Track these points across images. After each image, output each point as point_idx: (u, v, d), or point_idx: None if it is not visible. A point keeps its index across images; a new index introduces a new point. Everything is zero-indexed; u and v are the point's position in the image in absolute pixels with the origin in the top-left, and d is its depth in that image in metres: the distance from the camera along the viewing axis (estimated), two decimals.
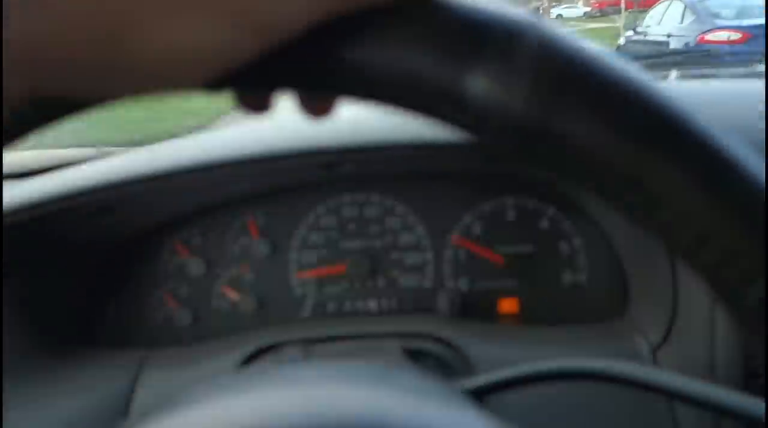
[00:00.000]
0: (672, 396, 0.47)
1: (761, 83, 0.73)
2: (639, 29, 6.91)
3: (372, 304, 0.81)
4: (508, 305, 0.79)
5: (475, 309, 0.78)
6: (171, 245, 0.81)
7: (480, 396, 0.53)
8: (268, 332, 0.73)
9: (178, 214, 0.80)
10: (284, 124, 0.79)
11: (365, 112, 0.81)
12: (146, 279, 0.80)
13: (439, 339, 0.67)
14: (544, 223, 0.79)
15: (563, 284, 0.78)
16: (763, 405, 0.43)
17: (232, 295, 0.81)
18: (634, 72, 0.19)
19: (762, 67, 1.26)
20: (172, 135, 0.82)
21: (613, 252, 0.76)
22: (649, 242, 0.67)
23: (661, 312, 0.65)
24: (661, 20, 6.42)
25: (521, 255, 0.79)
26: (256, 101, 0.23)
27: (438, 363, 0.65)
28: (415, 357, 0.65)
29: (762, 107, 0.62)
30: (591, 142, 0.19)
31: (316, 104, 0.23)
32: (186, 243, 0.81)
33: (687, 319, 0.62)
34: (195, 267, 0.80)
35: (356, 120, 0.78)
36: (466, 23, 0.19)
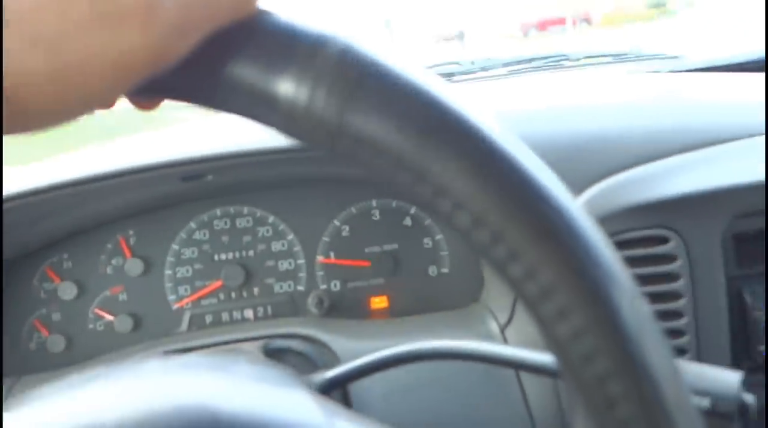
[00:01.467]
0: (508, 365, 0.53)
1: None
2: None
3: (248, 312, 0.83)
4: (378, 301, 0.83)
5: (347, 309, 0.83)
6: (41, 270, 0.81)
7: (341, 384, 0.57)
8: (142, 348, 0.74)
9: (47, 238, 0.80)
10: (147, 139, 0.81)
11: (228, 124, 0.84)
12: (16, 307, 0.80)
13: (305, 337, 0.70)
14: (408, 221, 0.84)
15: (428, 276, 0.84)
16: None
17: (107, 316, 0.82)
18: (427, 79, 0.21)
19: None
20: None
21: None
22: None
23: (506, 296, 0.71)
24: None
25: (388, 253, 0.84)
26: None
27: (303, 359, 0.69)
28: (279, 355, 0.68)
29: None
30: (382, 140, 0.21)
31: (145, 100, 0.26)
32: (56, 267, 0.81)
33: None
34: (66, 291, 0.80)
35: (218, 132, 0.80)
36: (280, 35, 0.22)
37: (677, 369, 0.22)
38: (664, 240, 0.62)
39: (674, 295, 0.62)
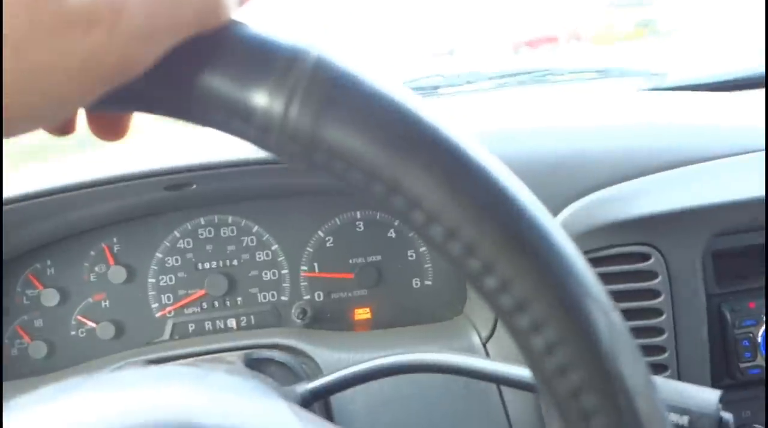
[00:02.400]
0: (489, 379, 0.53)
1: None
2: None
3: (231, 322, 0.83)
4: (361, 313, 0.84)
5: (330, 320, 0.83)
6: (23, 277, 0.80)
7: (323, 396, 0.57)
8: (125, 356, 0.74)
9: (30, 244, 0.80)
10: (133, 149, 0.81)
11: (212, 133, 0.84)
12: None
13: (287, 348, 0.70)
14: (392, 233, 0.85)
15: (411, 288, 0.84)
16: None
17: (89, 323, 0.81)
18: (400, 93, 0.22)
19: None
20: None
21: None
22: None
23: (488, 310, 0.72)
24: None
25: (371, 264, 0.84)
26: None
27: (285, 370, 0.69)
28: (261, 366, 0.68)
29: None
30: (355, 153, 0.21)
31: (106, 128, 0.26)
32: (39, 274, 0.81)
33: None
34: (49, 297, 0.80)
35: (202, 141, 0.80)
36: (255, 46, 0.22)
37: (651, 382, 0.22)
38: (645, 257, 0.63)
39: (655, 312, 0.63)
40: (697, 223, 0.64)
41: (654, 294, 0.63)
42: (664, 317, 0.63)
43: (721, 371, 0.65)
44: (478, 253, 0.21)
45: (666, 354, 0.63)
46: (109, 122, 0.25)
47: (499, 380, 0.53)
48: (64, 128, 0.25)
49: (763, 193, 0.62)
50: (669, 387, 0.48)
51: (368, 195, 0.22)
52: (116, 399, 0.29)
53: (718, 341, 0.65)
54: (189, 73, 0.21)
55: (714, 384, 0.64)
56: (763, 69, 1.08)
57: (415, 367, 0.56)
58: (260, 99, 0.21)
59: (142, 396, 0.30)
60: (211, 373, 0.35)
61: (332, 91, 0.21)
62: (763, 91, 0.98)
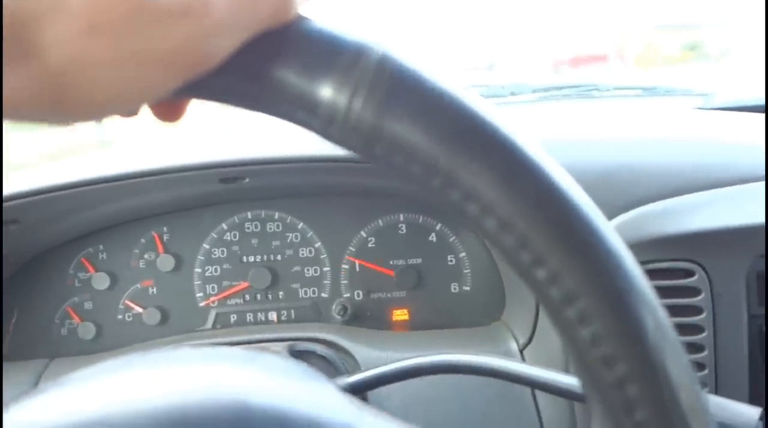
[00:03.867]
0: (526, 383, 0.54)
1: None
2: None
3: (272, 315, 0.85)
4: (399, 314, 0.85)
5: (368, 318, 0.84)
6: (77, 260, 0.83)
7: (362, 391, 0.58)
8: (169, 342, 0.76)
9: (85, 229, 0.83)
10: (188, 140, 0.84)
11: (264, 128, 0.87)
12: (51, 293, 0.82)
13: (328, 343, 0.72)
14: (432, 237, 0.86)
15: (449, 293, 0.85)
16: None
17: (136, 308, 0.84)
18: (460, 90, 0.22)
19: None
20: None
21: (493, 264, 0.84)
22: None
23: (527, 317, 0.73)
24: None
25: (412, 266, 0.85)
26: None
27: (326, 363, 0.70)
28: (303, 357, 0.70)
29: None
30: (415, 146, 0.22)
31: (166, 111, 0.27)
32: (91, 258, 0.84)
33: (547, 323, 0.70)
34: (99, 281, 0.83)
35: (255, 137, 0.83)
36: (322, 41, 0.23)
37: (695, 377, 0.23)
38: (689, 273, 0.63)
39: (696, 328, 0.63)
40: (742, 243, 0.64)
41: (696, 310, 0.63)
42: (705, 334, 0.63)
43: (760, 390, 0.65)
44: (530, 246, 0.21)
45: (705, 371, 0.63)
46: (168, 105, 0.26)
47: (536, 385, 0.54)
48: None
49: None
50: (710, 401, 0.48)
51: (426, 187, 0.22)
52: (174, 375, 0.30)
53: (758, 360, 0.65)
54: (258, 65, 0.23)
55: (752, 403, 0.64)
56: None
57: (453, 368, 0.57)
58: (326, 91, 0.22)
59: (200, 373, 0.30)
60: (264, 357, 0.37)
61: (395, 86, 0.22)
62: None
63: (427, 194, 0.23)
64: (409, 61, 0.23)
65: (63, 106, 0.20)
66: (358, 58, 0.22)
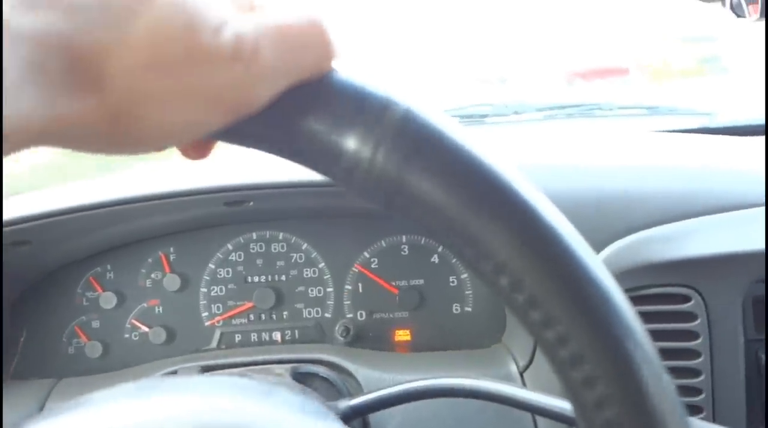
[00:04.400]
0: (525, 408, 0.55)
1: None
2: None
3: (276, 335, 0.86)
4: (401, 334, 0.86)
5: (371, 339, 0.85)
6: (85, 279, 0.85)
7: (363, 413, 0.59)
8: (175, 362, 0.78)
9: (93, 249, 0.85)
10: (196, 165, 0.86)
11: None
12: (59, 312, 0.84)
13: (331, 364, 0.73)
14: (434, 258, 0.87)
15: (451, 314, 0.86)
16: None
17: (143, 328, 0.85)
18: (480, 149, 0.23)
19: None
20: None
21: None
22: None
23: (527, 340, 0.74)
24: None
25: (414, 287, 0.86)
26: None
27: (328, 385, 0.71)
28: (306, 380, 0.71)
29: None
30: (434, 202, 0.23)
31: (195, 149, 0.27)
32: (99, 278, 0.85)
33: None
34: (107, 300, 0.84)
35: (259, 161, 0.84)
36: (350, 93, 0.24)
37: (686, 419, 0.24)
38: (685, 299, 0.64)
39: (692, 353, 0.64)
40: (739, 268, 0.64)
41: (693, 335, 0.64)
42: (701, 359, 0.64)
43: (757, 416, 0.65)
44: (540, 307, 0.23)
45: (702, 396, 0.64)
46: (197, 143, 0.27)
47: (536, 410, 0.55)
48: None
49: None
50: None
51: (441, 240, 0.24)
52: (188, 404, 0.32)
53: (755, 386, 0.65)
54: (288, 112, 0.24)
55: None
56: None
57: (454, 391, 0.57)
58: (350, 142, 0.23)
59: (213, 403, 0.32)
60: (276, 390, 0.38)
61: (417, 141, 0.23)
62: None
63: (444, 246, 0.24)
64: (432, 117, 0.24)
65: (117, 137, 0.22)
66: (383, 112, 0.23)
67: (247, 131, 0.24)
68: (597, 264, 0.23)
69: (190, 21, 0.21)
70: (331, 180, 0.24)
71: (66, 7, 0.19)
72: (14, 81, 0.18)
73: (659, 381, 0.23)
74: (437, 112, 0.24)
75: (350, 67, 0.25)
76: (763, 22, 0.89)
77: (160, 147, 0.24)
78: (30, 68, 0.19)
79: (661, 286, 0.64)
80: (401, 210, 0.24)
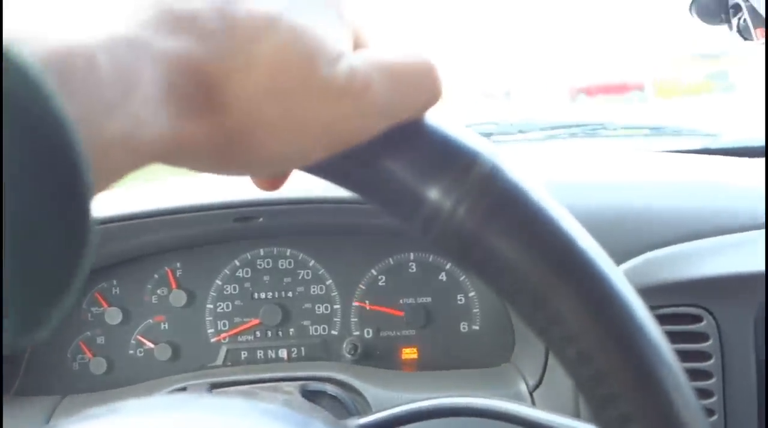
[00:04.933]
0: (526, 425, 0.54)
1: None
2: None
3: (283, 352, 0.86)
4: (408, 352, 0.85)
5: (378, 357, 0.85)
6: (90, 294, 0.85)
7: None
8: (181, 378, 0.77)
9: (99, 264, 0.84)
10: (203, 180, 0.86)
11: None
12: (63, 328, 0.83)
13: (339, 383, 0.73)
14: (443, 276, 0.87)
15: (459, 332, 0.86)
16: None
17: (148, 344, 0.85)
18: (558, 209, 0.24)
19: None
20: None
21: (503, 304, 0.85)
22: None
23: (537, 358, 0.73)
24: None
25: (421, 305, 0.86)
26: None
27: (337, 404, 0.71)
28: (315, 398, 0.70)
29: None
30: (510, 263, 0.23)
31: (272, 179, 0.28)
32: (105, 293, 0.85)
33: (557, 365, 0.70)
34: (112, 316, 0.84)
35: None
36: (440, 142, 0.24)
37: None
38: (696, 319, 0.64)
39: (704, 374, 0.64)
40: (751, 289, 0.64)
41: (704, 356, 0.64)
42: (713, 380, 0.63)
43: None
44: (606, 383, 0.23)
45: (715, 417, 0.63)
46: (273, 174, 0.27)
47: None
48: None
49: None
50: None
51: (510, 300, 0.24)
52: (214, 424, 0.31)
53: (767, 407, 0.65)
54: (378, 153, 0.24)
55: None
56: None
57: (465, 411, 0.57)
58: (434, 193, 0.23)
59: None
60: (300, 416, 0.37)
61: (501, 199, 0.23)
62: None
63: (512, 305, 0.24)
64: (517, 176, 0.24)
65: (228, 159, 0.22)
66: (471, 166, 0.23)
67: (335, 165, 0.24)
68: (665, 344, 0.24)
69: (309, 51, 0.21)
70: (407, 227, 0.24)
71: (200, 31, 0.20)
72: (155, 98, 0.19)
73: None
74: (521, 171, 0.24)
75: (437, 113, 0.25)
76: None
77: (265, 172, 0.25)
78: (169, 87, 0.19)
79: (672, 306, 0.64)
80: (474, 265, 0.24)
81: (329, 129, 0.22)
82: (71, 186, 0.17)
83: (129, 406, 0.33)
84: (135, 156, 0.19)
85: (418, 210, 0.23)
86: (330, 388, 0.72)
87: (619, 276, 0.24)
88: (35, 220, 0.16)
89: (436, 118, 0.25)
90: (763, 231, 0.68)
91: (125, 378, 0.83)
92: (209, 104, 0.21)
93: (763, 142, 1.16)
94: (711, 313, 0.63)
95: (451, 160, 0.23)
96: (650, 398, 0.23)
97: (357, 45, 0.24)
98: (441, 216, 0.23)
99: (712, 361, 0.63)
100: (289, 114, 0.21)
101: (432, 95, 0.24)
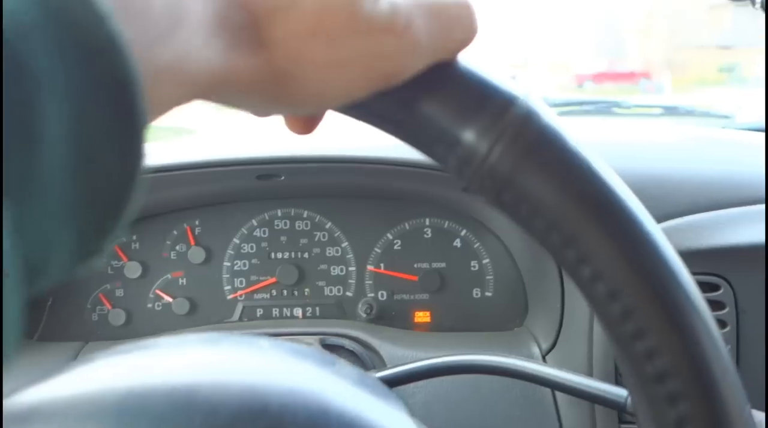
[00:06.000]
0: (550, 385, 0.56)
1: None
2: None
3: (298, 311, 0.87)
4: (421, 316, 0.87)
5: (391, 318, 0.86)
6: (110, 249, 0.85)
7: (389, 386, 0.60)
8: (198, 332, 0.78)
9: None
10: (225, 136, 0.86)
11: None
12: (84, 280, 0.85)
13: (355, 339, 0.74)
14: (457, 243, 0.88)
15: (471, 298, 0.87)
16: (622, 390, 0.52)
17: (166, 298, 0.86)
18: (590, 152, 0.24)
19: None
20: None
21: (517, 270, 0.86)
22: (545, 264, 0.77)
23: (551, 323, 0.74)
24: None
25: (435, 270, 0.87)
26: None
27: (354, 358, 0.72)
28: (333, 351, 0.72)
29: None
30: (543, 202, 0.23)
31: (305, 122, 0.28)
32: (125, 247, 0.86)
33: (571, 329, 0.71)
34: (132, 270, 0.85)
35: (288, 135, 0.85)
36: (476, 84, 0.24)
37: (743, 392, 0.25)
38: (714, 287, 0.64)
39: None
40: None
41: (721, 324, 0.65)
42: (727, 348, 0.64)
43: None
44: (634, 318, 0.23)
45: None
46: (305, 117, 0.28)
47: (561, 387, 0.55)
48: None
49: None
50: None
51: (542, 241, 0.24)
52: (257, 365, 0.31)
53: None
54: (415, 93, 0.24)
55: None
56: None
57: (479, 368, 0.58)
58: (469, 134, 0.23)
59: (284, 366, 0.32)
60: (341, 363, 0.37)
61: (536, 142, 0.23)
62: None
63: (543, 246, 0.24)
64: (552, 119, 0.24)
65: (274, 96, 0.23)
66: (506, 108, 0.23)
67: (372, 105, 0.24)
68: (689, 279, 0.25)
69: None
70: (441, 166, 0.25)
71: None
72: (204, 31, 0.20)
73: (729, 376, 0.24)
74: (554, 114, 0.24)
75: (473, 55, 0.25)
76: None
77: (310, 110, 0.25)
78: (218, 21, 0.20)
79: (691, 274, 0.64)
80: (507, 205, 0.24)
81: (371, 67, 0.23)
82: (127, 108, 0.17)
83: (158, 342, 0.33)
84: (183, 87, 0.20)
85: (454, 150, 0.24)
86: (347, 343, 0.73)
87: (648, 217, 0.24)
88: (93, 141, 0.16)
89: (472, 60, 0.25)
90: None
91: (143, 330, 0.85)
92: (255, 40, 0.21)
93: None
94: (728, 282, 0.64)
95: (488, 101, 0.24)
96: (678, 333, 0.24)
97: None
98: (476, 157, 0.23)
99: (727, 329, 0.64)
100: (332, 52, 0.22)
101: (470, 33, 0.25)
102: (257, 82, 0.22)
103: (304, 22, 0.21)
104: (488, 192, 0.24)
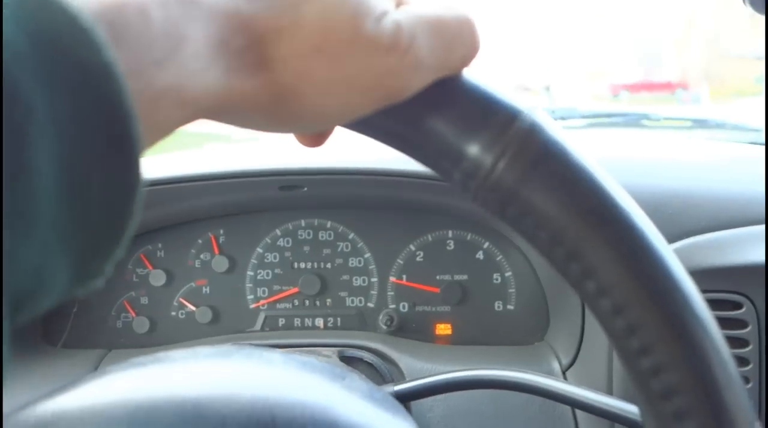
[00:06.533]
0: (568, 402, 0.55)
1: None
2: None
3: (319, 321, 0.88)
4: (442, 328, 0.86)
5: (412, 330, 0.86)
6: (136, 256, 0.87)
7: (407, 400, 0.60)
8: (220, 341, 0.79)
9: (145, 227, 0.87)
10: (249, 149, 0.87)
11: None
12: (109, 287, 0.86)
13: (374, 351, 0.74)
14: (480, 255, 0.88)
15: (493, 311, 0.86)
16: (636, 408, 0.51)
17: (190, 306, 0.87)
18: (595, 166, 0.24)
19: None
20: None
21: (539, 284, 0.85)
22: None
23: (572, 338, 0.74)
24: None
25: (457, 282, 0.87)
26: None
27: (372, 371, 0.72)
28: (351, 364, 0.72)
29: None
30: (547, 217, 0.23)
31: (314, 136, 0.28)
32: (150, 255, 0.87)
33: (591, 345, 0.71)
34: (156, 278, 0.86)
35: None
36: (480, 99, 0.24)
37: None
38: (736, 306, 0.63)
39: (742, 360, 0.63)
40: None
41: (743, 343, 0.63)
42: (750, 366, 0.63)
43: None
44: (639, 334, 0.23)
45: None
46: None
47: (580, 405, 0.55)
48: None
49: None
50: None
51: (546, 254, 0.24)
52: (266, 377, 0.32)
53: None
54: (420, 109, 0.24)
55: None
56: None
57: (499, 383, 0.58)
58: (474, 148, 0.24)
59: (294, 380, 0.32)
60: (352, 376, 0.38)
61: (540, 155, 0.23)
62: None
63: (547, 259, 0.24)
64: (556, 132, 0.24)
65: (277, 115, 0.23)
66: (510, 122, 0.24)
67: (377, 121, 0.25)
68: (696, 295, 0.24)
69: (355, 9, 0.22)
70: (447, 181, 0.25)
71: None
72: (205, 53, 0.20)
73: (737, 393, 0.24)
74: (559, 128, 0.25)
75: (477, 71, 0.26)
76: None
77: (311, 128, 0.25)
78: (218, 44, 0.20)
79: (712, 292, 0.64)
80: (512, 219, 0.24)
81: (374, 85, 0.23)
82: (120, 135, 0.17)
83: (172, 356, 0.34)
84: (184, 109, 0.20)
85: (459, 165, 0.24)
86: (366, 355, 0.74)
87: (654, 231, 0.24)
88: (85, 169, 0.16)
89: (475, 74, 0.25)
90: None
91: (166, 338, 0.86)
92: (258, 61, 0.21)
93: None
94: (751, 300, 0.63)
95: (491, 116, 0.24)
96: (683, 348, 0.23)
97: (399, 2, 0.24)
98: (480, 171, 0.24)
99: (750, 348, 0.63)
100: (336, 70, 0.22)
101: (472, 49, 0.25)
102: (260, 102, 0.22)
103: (308, 41, 0.22)
104: (493, 206, 0.24)
